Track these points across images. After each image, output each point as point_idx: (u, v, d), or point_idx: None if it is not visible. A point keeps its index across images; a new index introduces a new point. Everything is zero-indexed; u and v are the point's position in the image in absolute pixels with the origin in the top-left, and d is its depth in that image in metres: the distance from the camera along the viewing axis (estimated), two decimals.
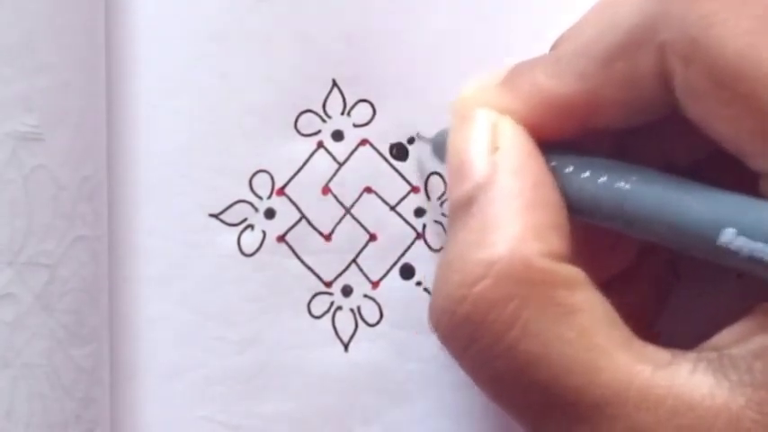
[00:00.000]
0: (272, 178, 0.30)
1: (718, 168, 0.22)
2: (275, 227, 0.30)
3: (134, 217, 0.29)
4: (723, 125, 0.21)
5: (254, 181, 0.30)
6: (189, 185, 0.29)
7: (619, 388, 0.21)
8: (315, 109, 0.30)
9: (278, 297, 0.30)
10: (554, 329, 0.21)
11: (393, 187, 0.30)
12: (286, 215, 0.30)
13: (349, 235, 0.30)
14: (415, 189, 0.30)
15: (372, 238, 0.30)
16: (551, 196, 0.23)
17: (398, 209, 0.30)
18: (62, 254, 0.26)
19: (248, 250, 0.30)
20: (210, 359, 0.29)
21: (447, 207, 0.30)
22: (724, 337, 0.22)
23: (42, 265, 0.25)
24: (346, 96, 0.30)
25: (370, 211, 0.30)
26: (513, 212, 0.22)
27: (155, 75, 0.29)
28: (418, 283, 0.30)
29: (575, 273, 0.22)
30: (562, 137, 0.24)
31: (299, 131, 0.30)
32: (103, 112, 0.28)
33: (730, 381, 0.20)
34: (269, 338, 0.29)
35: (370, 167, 0.30)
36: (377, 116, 0.30)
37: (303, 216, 0.30)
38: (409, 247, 0.30)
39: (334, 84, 0.30)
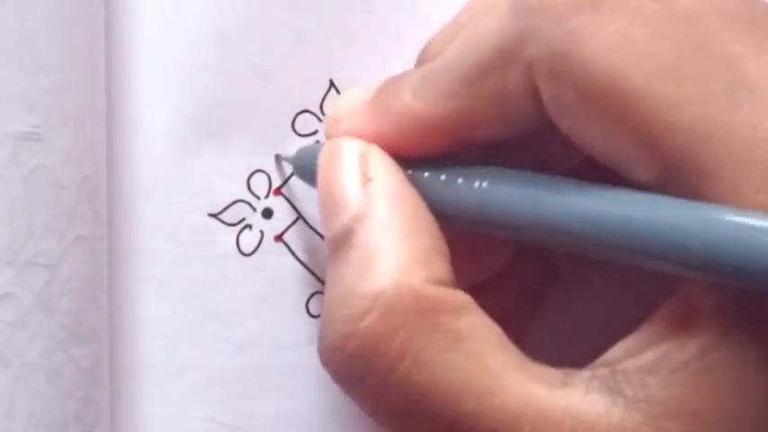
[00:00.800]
0: (269, 178, 0.30)
1: (597, 173, 0.22)
2: (273, 226, 0.30)
3: (134, 217, 0.29)
4: (594, 139, 0.21)
5: (252, 181, 0.30)
6: (188, 185, 0.29)
7: (514, 411, 0.20)
8: (312, 109, 0.30)
9: (276, 297, 0.30)
10: (444, 357, 0.21)
11: None
12: (283, 215, 0.30)
13: None
14: None
15: None
16: (428, 221, 0.23)
17: None
18: (62, 254, 0.26)
19: (247, 250, 0.30)
20: (210, 359, 0.29)
21: None
22: (616, 351, 0.21)
23: (42, 265, 0.25)
24: None
25: None
26: (394, 242, 0.22)
27: (154, 75, 0.29)
28: None
29: (461, 297, 0.22)
30: (433, 154, 0.24)
31: (296, 132, 0.30)
32: (103, 112, 0.28)
33: (625, 397, 0.20)
34: (268, 338, 0.29)
35: None
36: None
37: (300, 215, 0.30)
38: None
39: (332, 84, 0.30)
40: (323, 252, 0.30)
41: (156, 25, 0.29)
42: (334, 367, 0.22)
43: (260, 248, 0.30)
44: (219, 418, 0.29)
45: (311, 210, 0.30)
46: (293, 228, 0.30)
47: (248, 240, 0.30)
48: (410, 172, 0.24)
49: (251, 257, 0.30)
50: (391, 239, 0.22)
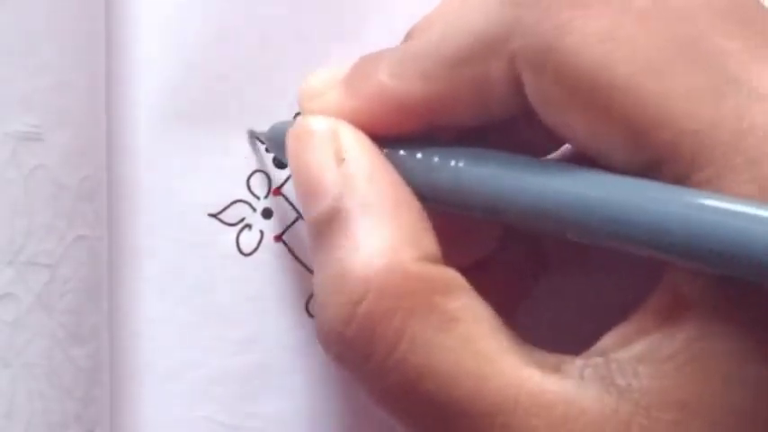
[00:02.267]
0: (269, 178, 0.30)
1: (576, 161, 0.22)
2: (273, 226, 0.30)
3: (134, 217, 0.29)
4: (577, 131, 0.21)
5: (252, 180, 0.30)
6: (188, 185, 0.29)
7: (507, 395, 0.20)
8: None
9: (276, 297, 0.30)
10: (438, 339, 0.21)
11: None
12: (283, 215, 0.30)
13: None
14: None
15: None
16: (409, 197, 0.23)
17: None
18: (62, 254, 0.26)
19: (246, 250, 0.30)
20: (210, 359, 0.29)
21: None
22: (609, 340, 0.21)
23: (42, 264, 0.25)
24: None
25: None
26: (379, 221, 0.22)
27: (155, 74, 0.29)
28: None
29: (452, 276, 0.22)
30: (408, 135, 0.24)
31: None
32: (103, 112, 0.28)
33: (617, 386, 0.20)
34: (268, 338, 0.29)
35: None
36: None
37: (300, 215, 0.30)
38: None
39: None
40: None
41: (156, 25, 0.29)
42: (335, 353, 0.22)
43: (260, 248, 0.30)
44: (219, 418, 0.29)
45: None
46: (293, 228, 0.30)
47: (248, 240, 0.30)
48: (385, 151, 0.24)
49: (251, 257, 0.30)
50: (375, 219, 0.22)
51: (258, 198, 0.30)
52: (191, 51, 0.29)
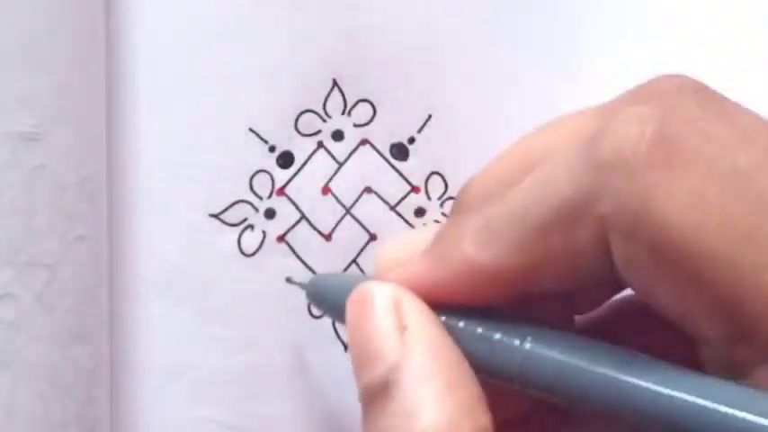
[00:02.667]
0: (272, 178, 0.30)
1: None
2: (275, 227, 0.30)
3: (134, 217, 0.29)
4: (665, 298, 0.20)
5: (255, 181, 0.30)
6: (189, 185, 0.29)
7: None
8: (315, 109, 0.30)
9: (278, 297, 0.30)
10: None
11: (393, 187, 0.30)
12: (286, 215, 0.30)
13: (349, 235, 0.30)
14: (415, 189, 0.30)
15: (372, 237, 0.30)
16: (468, 371, 0.22)
17: (398, 209, 0.30)
18: (62, 254, 0.26)
19: (248, 250, 0.30)
20: (210, 359, 0.29)
21: (448, 207, 0.30)
22: None
23: (42, 264, 0.25)
24: (347, 96, 0.30)
25: (370, 210, 0.30)
26: (437, 393, 0.21)
27: (155, 75, 0.29)
28: None
29: None
30: (490, 303, 0.23)
31: (299, 131, 0.30)
32: (103, 112, 0.28)
33: None
34: (269, 338, 0.29)
35: (370, 167, 0.30)
36: (377, 116, 0.30)
37: (303, 216, 0.30)
38: None
39: (335, 83, 0.30)
40: (325, 252, 0.30)
41: (156, 25, 0.29)
42: None
43: (262, 249, 0.30)
44: (219, 418, 0.29)
45: (314, 210, 0.30)
46: (296, 228, 0.30)
47: (250, 241, 0.30)
48: (443, 319, 0.23)
49: (252, 258, 0.30)
50: (433, 391, 0.21)
51: (261, 198, 0.30)
52: (190, 51, 0.29)
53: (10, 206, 0.25)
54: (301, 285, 0.28)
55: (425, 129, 0.30)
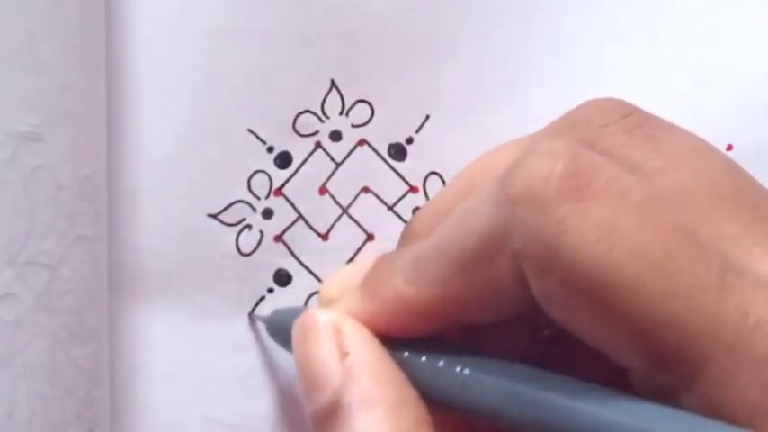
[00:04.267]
0: (269, 178, 0.30)
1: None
2: (273, 227, 0.30)
3: (134, 217, 0.29)
4: (583, 328, 0.21)
5: (252, 181, 0.30)
6: (188, 186, 0.29)
7: None
8: (313, 109, 0.30)
9: (276, 297, 0.30)
10: None
11: (391, 187, 0.30)
12: (283, 215, 0.30)
13: (346, 235, 0.30)
14: (413, 189, 0.30)
15: (369, 237, 0.30)
16: (412, 395, 0.23)
17: (396, 209, 0.30)
18: (62, 254, 0.26)
19: (246, 250, 0.30)
20: (210, 359, 0.29)
21: None
22: None
23: (43, 264, 0.25)
24: (345, 96, 0.30)
25: (367, 210, 0.30)
26: (379, 418, 0.22)
27: (155, 75, 0.29)
28: None
29: None
30: (421, 335, 0.24)
31: (297, 132, 0.30)
32: (103, 112, 0.28)
33: None
34: (267, 338, 0.29)
35: (367, 167, 0.30)
36: (375, 116, 0.30)
37: (300, 216, 0.30)
38: None
39: (333, 84, 0.30)
40: (322, 252, 0.30)
41: (157, 25, 0.29)
42: None
43: (259, 248, 0.30)
44: (219, 417, 0.29)
45: (311, 210, 0.30)
46: (293, 228, 0.30)
47: (247, 240, 0.30)
48: (390, 352, 0.24)
49: (250, 257, 0.30)
50: (375, 416, 0.22)
51: (259, 198, 0.30)
52: (190, 51, 0.29)
53: (10, 206, 0.25)
54: (262, 320, 0.29)
55: (423, 129, 0.30)
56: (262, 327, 0.29)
